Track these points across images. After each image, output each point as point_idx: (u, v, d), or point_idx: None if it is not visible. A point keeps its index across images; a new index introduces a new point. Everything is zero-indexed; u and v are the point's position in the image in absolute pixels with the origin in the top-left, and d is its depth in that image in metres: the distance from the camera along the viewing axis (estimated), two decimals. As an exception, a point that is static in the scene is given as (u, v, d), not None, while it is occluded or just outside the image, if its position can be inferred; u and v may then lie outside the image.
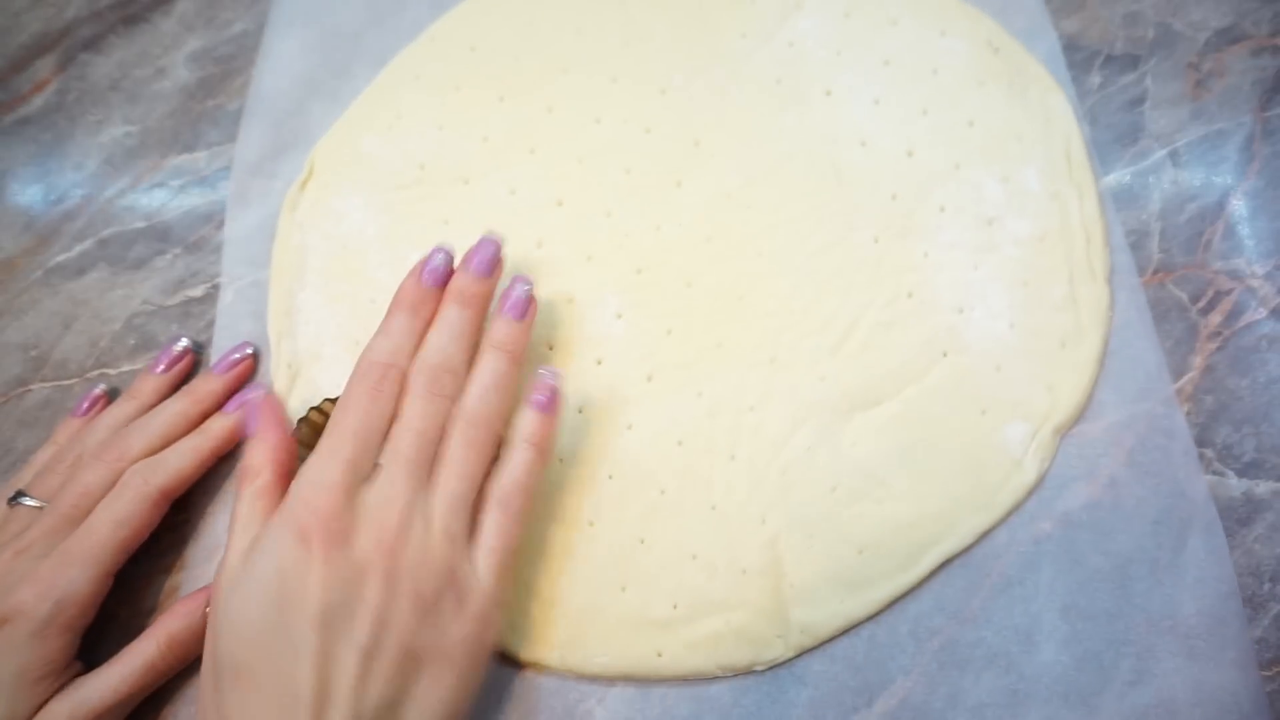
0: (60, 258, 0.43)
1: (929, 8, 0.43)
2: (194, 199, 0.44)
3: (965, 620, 0.34)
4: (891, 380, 0.37)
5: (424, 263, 0.35)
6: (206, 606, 0.33)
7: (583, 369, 0.38)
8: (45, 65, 0.48)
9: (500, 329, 0.35)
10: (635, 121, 0.42)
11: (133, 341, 0.41)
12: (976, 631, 0.34)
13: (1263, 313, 0.37)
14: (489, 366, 0.34)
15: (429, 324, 0.35)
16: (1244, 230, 0.39)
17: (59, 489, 0.35)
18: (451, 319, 0.34)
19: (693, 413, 0.37)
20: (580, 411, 0.38)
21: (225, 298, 0.41)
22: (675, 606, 0.35)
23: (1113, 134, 0.41)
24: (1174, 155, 0.40)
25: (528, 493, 0.33)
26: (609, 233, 0.40)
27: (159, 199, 0.44)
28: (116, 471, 0.35)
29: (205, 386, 0.38)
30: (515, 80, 0.44)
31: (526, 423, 0.34)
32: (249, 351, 0.40)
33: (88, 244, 0.43)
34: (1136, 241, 0.39)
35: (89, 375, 0.41)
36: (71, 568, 0.32)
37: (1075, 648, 0.33)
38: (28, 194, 0.45)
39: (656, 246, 0.40)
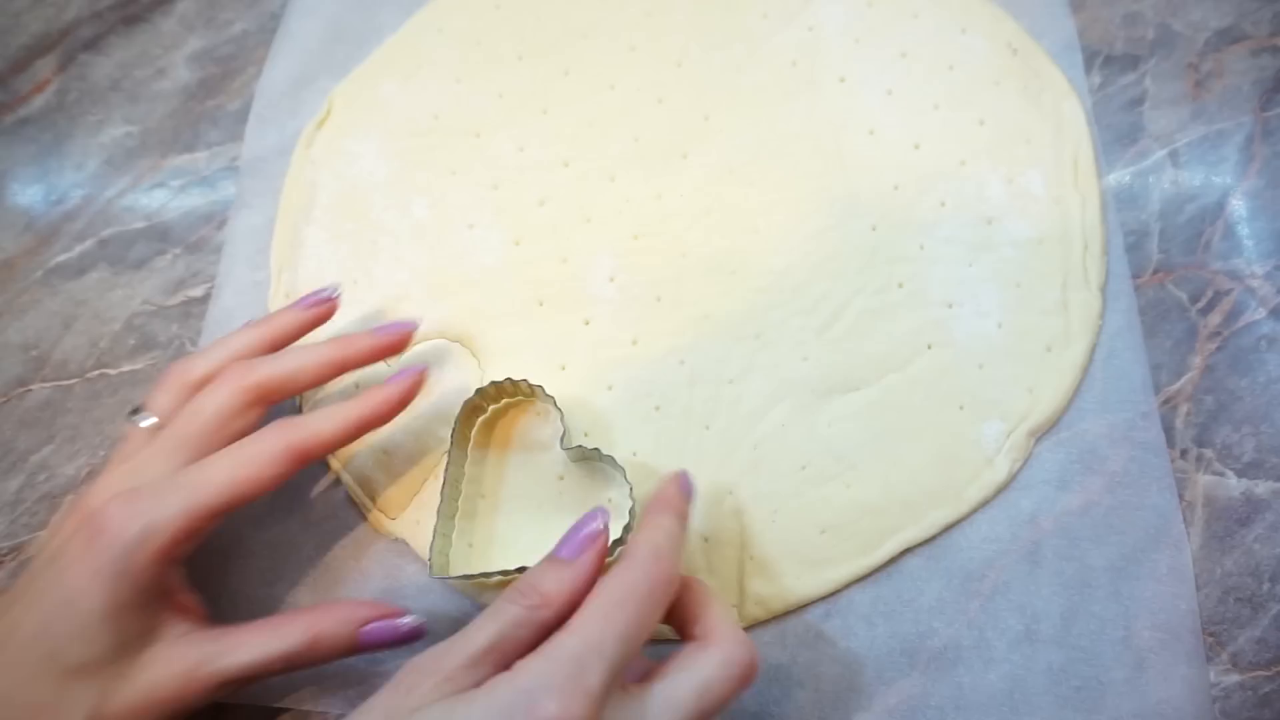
0: (60, 258, 0.43)
1: (952, 3, 0.43)
2: (194, 199, 0.44)
3: (919, 623, 0.34)
4: (873, 367, 0.37)
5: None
6: (363, 628, 0.31)
7: (570, 327, 0.39)
8: (45, 65, 0.47)
9: None
10: (649, 91, 0.43)
11: (133, 341, 0.41)
12: (936, 637, 0.34)
13: (1262, 313, 0.37)
14: None
15: None
16: (1243, 230, 0.39)
17: (175, 408, 0.32)
18: None
19: (673, 380, 0.38)
20: (564, 369, 0.38)
21: (235, 222, 0.43)
22: (634, 566, 0.35)
23: (1113, 134, 0.41)
24: (1174, 155, 0.40)
25: None
26: (611, 196, 0.41)
27: (159, 199, 0.44)
28: (238, 398, 0.32)
29: (362, 340, 0.35)
30: (535, 41, 0.44)
31: None
32: (410, 327, 0.36)
33: (88, 244, 0.43)
34: (1136, 242, 0.39)
35: (89, 375, 0.40)
36: (172, 495, 0.29)
37: (1031, 655, 0.33)
38: (28, 194, 0.45)
39: (656, 214, 0.40)
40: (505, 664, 0.26)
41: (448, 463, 0.35)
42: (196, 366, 0.34)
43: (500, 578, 0.33)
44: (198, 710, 0.30)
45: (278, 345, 0.35)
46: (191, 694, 0.29)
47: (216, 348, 0.34)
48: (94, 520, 0.29)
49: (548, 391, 0.36)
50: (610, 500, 0.35)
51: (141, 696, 0.29)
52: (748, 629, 0.35)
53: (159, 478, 0.30)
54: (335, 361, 0.34)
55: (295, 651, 0.30)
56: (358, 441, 0.37)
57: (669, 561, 0.28)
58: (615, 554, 0.31)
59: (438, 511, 0.34)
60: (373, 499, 0.37)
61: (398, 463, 0.37)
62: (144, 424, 0.32)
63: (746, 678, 0.27)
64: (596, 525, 0.29)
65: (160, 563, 0.29)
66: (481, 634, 0.26)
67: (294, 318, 0.36)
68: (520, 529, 0.36)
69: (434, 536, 0.34)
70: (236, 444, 0.31)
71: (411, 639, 0.31)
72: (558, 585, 0.28)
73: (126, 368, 0.40)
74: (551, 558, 0.29)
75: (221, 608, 0.35)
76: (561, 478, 0.36)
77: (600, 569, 0.29)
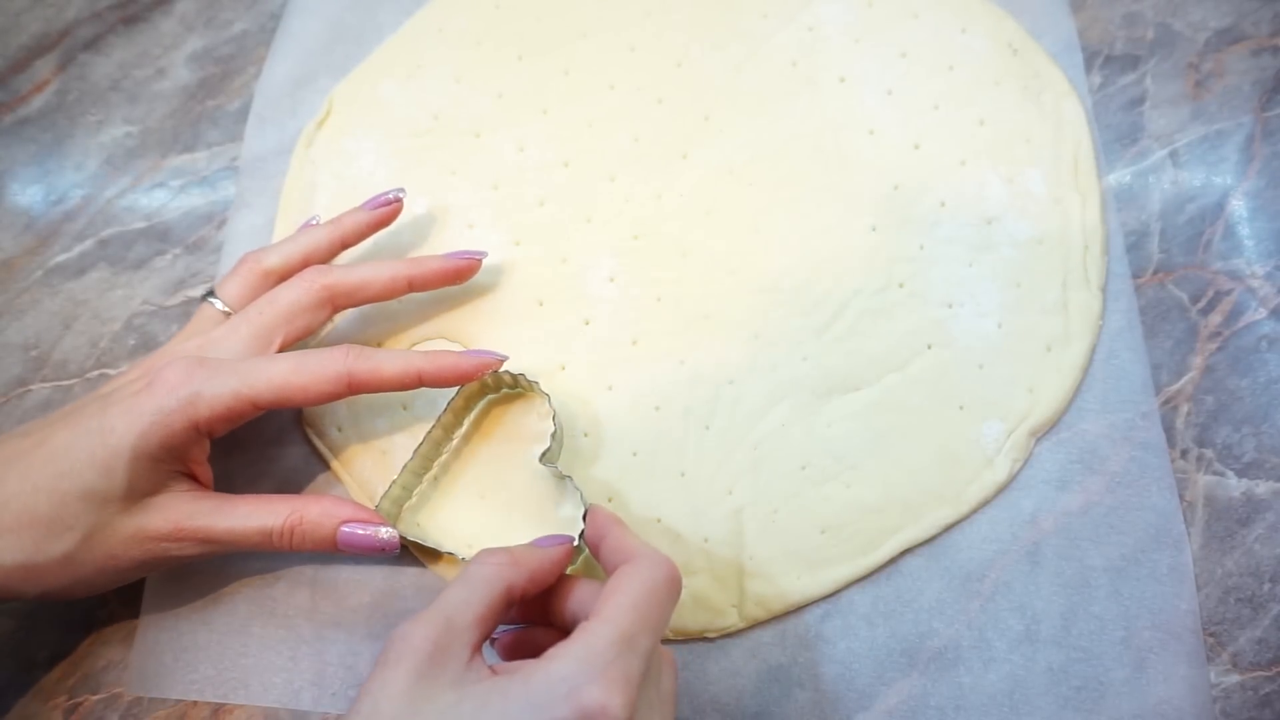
0: (60, 258, 0.43)
1: (952, 3, 0.43)
2: (194, 199, 0.44)
3: (919, 623, 0.34)
4: (873, 367, 0.37)
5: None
6: (345, 524, 0.32)
7: (570, 327, 0.39)
8: (45, 65, 0.47)
9: None
10: (648, 91, 0.43)
11: (133, 341, 0.41)
12: (936, 637, 0.34)
13: (1263, 313, 0.37)
14: None
15: None
16: (1244, 230, 0.39)
17: (246, 298, 0.35)
18: None
19: (673, 380, 0.38)
20: (563, 369, 0.38)
21: (235, 222, 0.42)
22: (634, 566, 0.35)
23: (1113, 134, 0.41)
24: (1174, 155, 0.40)
25: None
26: (610, 197, 0.41)
27: (159, 199, 0.44)
28: (313, 295, 0.34)
29: (432, 263, 0.37)
30: (535, 41, 0.44)
31: None
32: (480, 256, 0.38)
33: (88, 244, 0.43)
34: (1136, 242, 0.39)
35: (89, 375, 0.40)
36: (228, 376, 0.31)
37: (1031, 656, 0.33)
38: (28, 194, 0.44)
39: (656, 214, 0.40)
40: (486, 632, 0.27)
41: (435, 424, 0.35)
42: (270, 257, 0.36)
43: (447, 555, 0.34)
44: (182, 561, 0.32)
45: (346, 244, 0.37)
46: (176, 543, 0.31)
47: (288, 243, 0.36)
48: (153, 375, 0.31)
49: (549, 399, 0.36)
50: (564, 516, 0.36)
51: (132, 532, 0.31)
52: (748, 629, 0.35)
53: (225, 356, 0.32)
54: (404, 277, 0.36)
55: (277, 529, 0.32)
56: (356, 441, 0.37)
57: (672, 562, 0.29)
58: (578, 560, 0.33)
59: (405, 465, 0.35)
60: (371, 499, 0.37)
61: (396, 463, 0.37)
62: (220, 307, 0.35)
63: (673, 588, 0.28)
64: (568, 536, 0.31)
65: (194, 431, 0.30)
66: (457, 597, 0.27)
67: (361, 218, 0.37)
68: (472, 513, 0.36)
69: (391, 485, 0.35)
70: (303, 352, 0.32)
71: (384, 551, 0.33)
72: (526, 554, 0.29)
73: (126, 368, 0.40)
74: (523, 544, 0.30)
75: (220, 605, 0.36)
76: (530, 477, 0.36)
77: (564, 567, 0.31)
